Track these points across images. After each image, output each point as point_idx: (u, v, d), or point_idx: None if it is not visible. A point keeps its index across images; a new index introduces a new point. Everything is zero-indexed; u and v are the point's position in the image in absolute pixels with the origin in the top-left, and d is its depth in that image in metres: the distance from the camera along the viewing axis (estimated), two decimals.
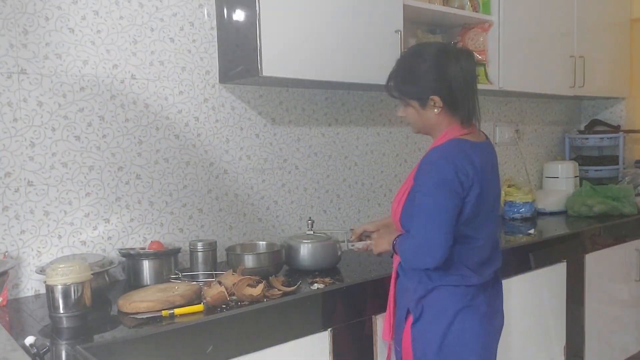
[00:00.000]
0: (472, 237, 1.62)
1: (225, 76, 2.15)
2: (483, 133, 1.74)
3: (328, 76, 2.15)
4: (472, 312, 1.62)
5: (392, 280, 1.77)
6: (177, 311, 1.53)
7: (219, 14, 2.15)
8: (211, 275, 1.91)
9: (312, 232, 2.09)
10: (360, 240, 1.93)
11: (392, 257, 1.78)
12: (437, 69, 1.61)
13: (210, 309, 1.59)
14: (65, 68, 1.85)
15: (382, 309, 1.85)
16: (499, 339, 1.75)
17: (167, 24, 2.06)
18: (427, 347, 1.62)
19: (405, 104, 1.69)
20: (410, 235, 1.62)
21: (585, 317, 2.76)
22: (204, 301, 1.62)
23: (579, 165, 3.56)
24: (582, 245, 2.76)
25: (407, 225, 1.66)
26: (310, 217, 2.16)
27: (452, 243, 1.55)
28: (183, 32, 2.09)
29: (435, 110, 1.64)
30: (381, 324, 1.88)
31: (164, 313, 1.52)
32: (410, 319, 1.65)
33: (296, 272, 2.00)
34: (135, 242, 2.02)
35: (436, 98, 1.62)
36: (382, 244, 1.81)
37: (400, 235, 1.69)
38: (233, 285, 1.65)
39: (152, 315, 1.53)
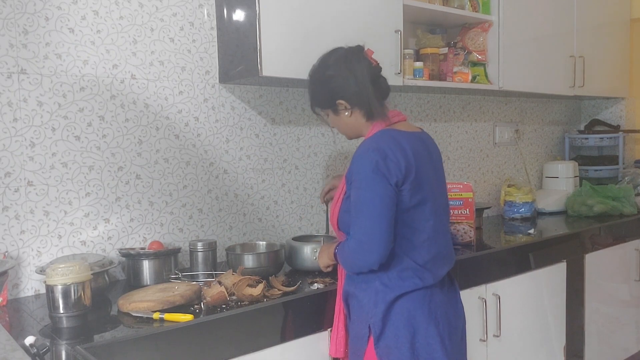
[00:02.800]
0: (415, 229, 1.57)
1: (225, 76, 2.15)
2: (420, 128, 1.72)
3: None
4: (434, 320, 1.57)
5: (339, 294, 1.71)
6: (167, 316, 1.51)
7: (219, 14, 2.15)
8: (211, 275, 1.91)
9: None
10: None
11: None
12: (339, 74, 1.62)
13: (210, 309, 1.59)
14: (65, 68, 1.85)
15: None
16: (464, 337, 1.71)
17: (167, 24, 2.06)
18: None
19: (325, 115, 1.72)
20: (348, 237, 1.58)
21: (585, 317, 2.77)
22: (204, 301, 1.62)
23: (579, 165, 3.56)
24: (582, 245, 2.76)
25: (344, 227, 1.62)
26: None
27: (393, 238, 1.52)
28: (183, 32, 2.10)
29: (346, 113, 1.65)
30: None
31: (155, 316, 1.52)
32: (372, 337, 1.57)
33: (297, 273, 2.01)
34: (135, 242, 2.02)
35: (342, 101, 1.64)
36: (323, 258, 1.80)
37: (339, 242, 1.65)
38: (233, 285, 1.65)
39: (144, 316, 1.53)
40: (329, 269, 1.83)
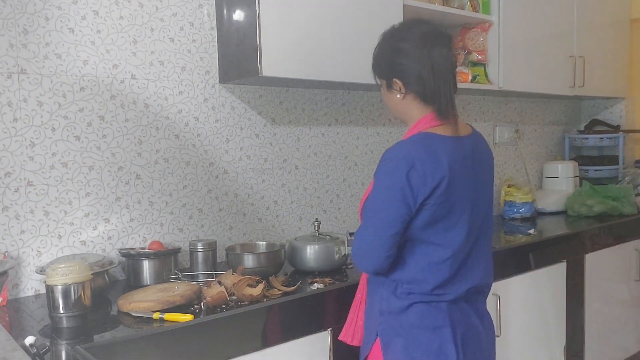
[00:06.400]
0: (438, 245, 1.44)
1: (225, 76, 2.15)
2: (470, 126, 1.56)
3: (328, 76, 2.15)
4: (447, 338, 1.44)
5: (363, 282, 1.62)
6: (167, 316, 1.51)
7: (219, 14, 2.15)
8: (211, 275, 1.91)
9: (317, 234, 2.08)
10: None
11: None
12: (414, 51, 1.44)
13: (210, 309, 1.59)
14: (65, 68, 1.85)
15: None
16: (488, 354, 1.59)
17: (167, 24, 2.06)
18: None
19: (379, 83, 1.58)
20: (356, 233, 1.50)
21: (585, 317, 2.76)
22: (204, 301, 1.62)
23: (579, 165, 3.56)
24: (582, 245, 2.76)
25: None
26: (316, 219, 2.11)
27: (394, 252, 1.42)
28: (183, 32, 2.10)
29: (398, 95, 1.49)
30: None
31: (155, 316, 1.52)
32: (378, 343, 1.48)
33: (297, 273, 2.01)
34: (135, 242, 2.02)
35: (398, 81, 1.48)
36: None
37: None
38: (233, 285, 1.65)
39: (144, 316, 1.53)
40: None
